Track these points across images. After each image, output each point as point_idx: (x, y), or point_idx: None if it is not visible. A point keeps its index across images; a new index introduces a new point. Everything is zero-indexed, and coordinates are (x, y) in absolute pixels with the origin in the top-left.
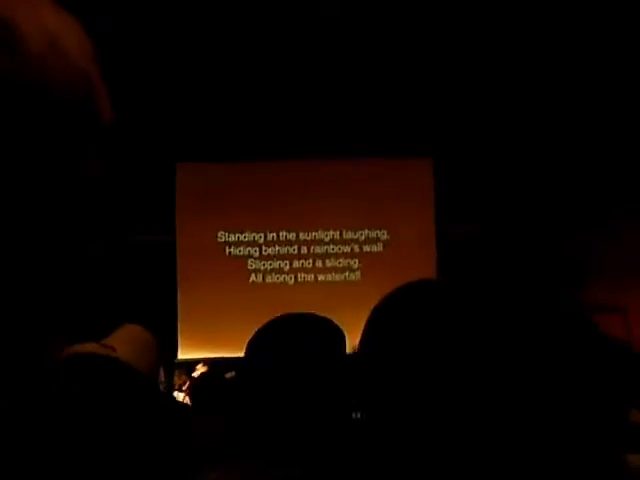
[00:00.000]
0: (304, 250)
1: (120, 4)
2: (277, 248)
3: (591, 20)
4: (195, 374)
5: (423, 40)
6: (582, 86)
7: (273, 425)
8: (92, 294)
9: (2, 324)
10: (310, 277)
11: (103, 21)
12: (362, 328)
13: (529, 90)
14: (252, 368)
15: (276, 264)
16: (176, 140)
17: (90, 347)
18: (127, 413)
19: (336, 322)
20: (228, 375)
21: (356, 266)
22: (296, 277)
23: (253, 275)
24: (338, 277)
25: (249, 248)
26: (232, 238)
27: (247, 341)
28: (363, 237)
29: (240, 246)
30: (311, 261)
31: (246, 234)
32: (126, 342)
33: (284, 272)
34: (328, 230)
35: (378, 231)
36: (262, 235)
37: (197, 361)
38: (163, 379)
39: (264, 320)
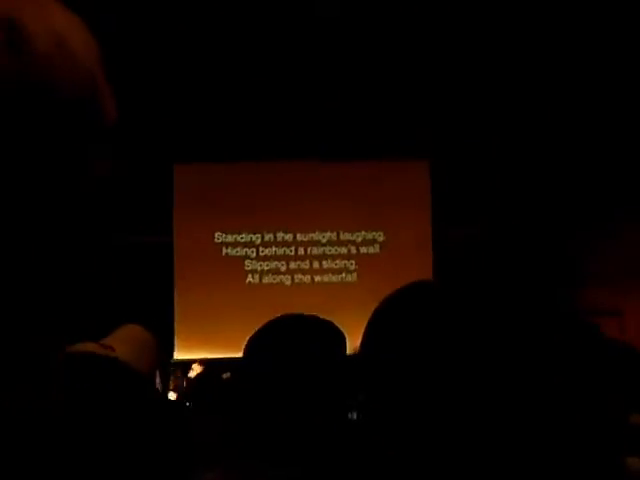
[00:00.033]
0: (301, 251)
1: (117, 6)
2: (274, 249)
3: (590, 20)
4: (191, 374)
5: (420, 42)
6: (580, 86)
7: (272, 425)
8: (91, 294)
9: (3, 323)
10: (307, 278)
11: (99, 22)
12: (359, 329)
13: (526, 91)
14: (251, 368)
15: (273, 265)
16: (174, 141)
17: (90, 347)
18: (126, 413)
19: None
20: (225, 375)
21: (353, 267)
22: (293, 278)
23: (250, 276)
24: (335, 278)
25: (246, 249)
26: (229, 239)
27: (244, 341)
28: (360, 239)
29: (237, 247)
30: (308, 262)
31: (243, 235)
32: (125, 342)
33: (281, 273)
34: (325, 231)
35: (375, 233)
36: (259, 236)
37: (193, 361)
38: (159, 379)
39: (261, 321)
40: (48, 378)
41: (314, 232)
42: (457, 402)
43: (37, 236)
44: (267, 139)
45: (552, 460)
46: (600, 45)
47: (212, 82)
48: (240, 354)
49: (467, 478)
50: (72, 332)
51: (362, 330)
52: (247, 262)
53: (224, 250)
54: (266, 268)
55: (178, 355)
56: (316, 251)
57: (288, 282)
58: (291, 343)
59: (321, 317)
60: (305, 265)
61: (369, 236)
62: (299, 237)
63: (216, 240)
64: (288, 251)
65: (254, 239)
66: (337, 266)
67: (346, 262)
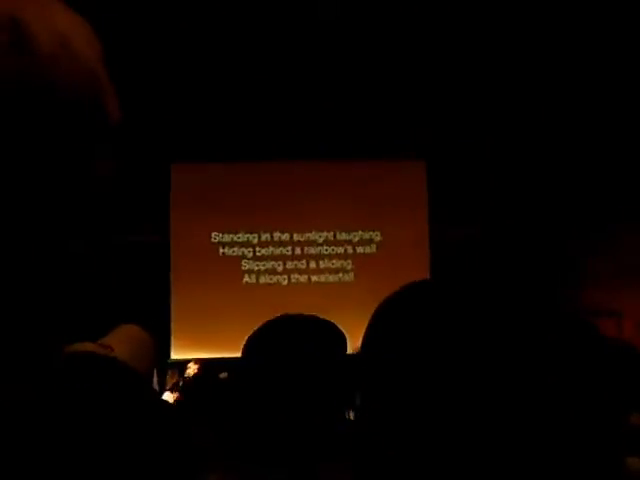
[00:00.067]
0: (298, 251)
1: (114, 6)
2: (271, 249)
3: (587, 19)
4: (188, 373)
5: (417, 43)
6: (577, 85)
7: (271, 425)
8: (90, 294)
9: (3, 323)
10: (304, 278)
11: (95, 22)
12: (356, 329)
13: (522, 91)
14: (250, 368)
15: (270, 265)
16: (170, 141)
17: (89, 346)
18: (124, 413)
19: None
20: (222, 375)
21: (349, 267)
22: (290, 278)
23: (247, 276)
24: (332, 278)
25: (243, 249)
26: (226, 239)
27: (241, 341)
28: (357, 238)
29: (234, 247)
30: (305, 262)
31: (240, 235)
32: (124, 342)
33: (278, 273)
34: (322, 231)
35: (372, 232)
36: (256, 236)
37: (190, 361)
38: (156, 379)
39: (258, 321)
40: (47, 378)
41: (311, 232)
42: (457, 402)
43: (39, 235)
44: (264, 139)
45: (552, 460)
46: (598, 44)
47: (209, 82)
48: (237, 354)
49: (467, 478)
50: (71, 332)
51: (360, 330)
52: (244, 262)
53: (221, 250)
54: (263, 268)
55: (175, 355)
56: (313, 251)
57: (285, 282)
58: (290, 343)
59: (321, 317)
60: (302, 265)
61: (366, 236)
62: (296, 237)
63: (213, 240)
64: (285, 251)
65: (251, 239)
66: (334, 266)
67: (343, 262)
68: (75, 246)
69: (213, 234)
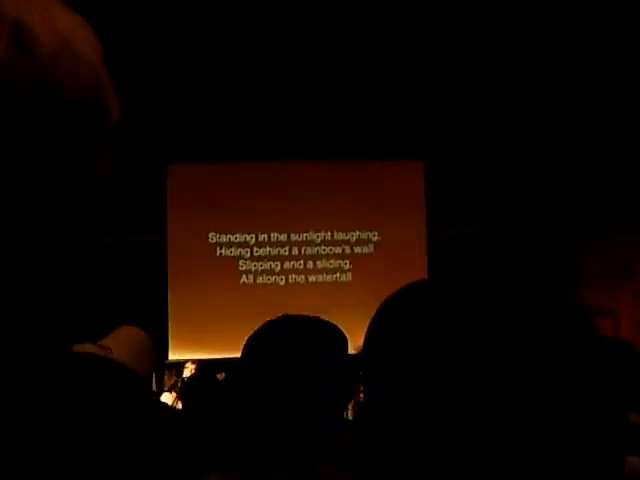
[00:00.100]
0: (295, 251)
1: (112, 7)
2: (268, 249)
3: (587, 19)
4: (185, 373)
5: (415, 43)
6: (577, 85)
7: (272, 426)
8: (88, 295)
9: (3, 324)
10: (301, 278)
11: (94, 24)
12: (354, 329)
13: (521, 91)
14: (250, 368)
15: (267, 265)
16: (167, 142)
17: (88, 348)
18: (123, 414)
19: None
20: (220, 376)
21: (347, 267)
22: (287, 278)
23: (244, 276)
24: (329, 278)
25: (240, 249)
26: (223, 239)
27: (238, 342)
28: (354, 238)
29: (231, 247)
30: (302, 262)
31: (237, 235)
32: (123, 343)
33: (275, 273)
34: (319, 231)
35: (369, 232)
36: (253, 236)
37: (187, 362)
38: (154, 380)
39: (255, 321)
40: (47, 378)
41: (308, 232)
42: (458, 401)
43: (38, 235)
44: (260, 140)
45: (552, 459)
46: (599, 43)
47: (206, 83)
48: (235, 354)
49: (467, 478)
50: (71, 333)
51: (358, 329)
52: (241, 262)
53: (218, 250)
54: (260, 268)
55: (172, 355)
56: (310, 251)
57: (282, 282)
58: (291, 343)
59: (322, 318)
60: (299, 265)
61: (363, 236)
62: (293, 237)
63: (210, 240)
64: (282, 251)
65: (248, 239)
66: (331, 266)
67: (340, 262)
68: (76, 246)
69: (210, 234)
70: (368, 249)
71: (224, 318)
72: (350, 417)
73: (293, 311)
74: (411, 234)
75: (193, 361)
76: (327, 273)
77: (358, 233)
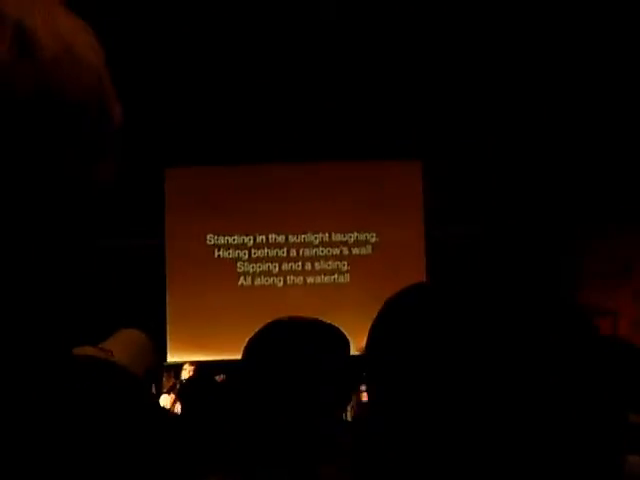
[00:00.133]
0: (293, 253)
1: (110, 11)
2: (266, 251)
3: (587, 19)
4: (183, 375)
5: (413, 44)
6: (576, 85)
7: (272, 427)
8: (88, 298)
9: (11, 326)
10: (299, 280)
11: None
12: (352, 330)
13: (519, 92)
14: (252, 370)
15: (265, 267)
16: (164, 145)
17: (89, 350)
18: (123, 416)
19: None
20: (219, 378)
21: (345, 268)
22: (285, 280)
23: (242, 278)
24: (327, 279)
25: (238, 251)
26: (221, 241)
27: (237, 344)
28: (352, 239)
29: (229, 249)
30: (300, 264)
31: (235, 237)
32: (124, 346)
33: (273, 275)
34: (317, 233)
35: (367, 233)
36: (251, 238)
37: (185, 364)
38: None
39: (253, 322)
40: (48, 381)
41: (306, 233)
42: (458, 402)
43: (40, 239)
44: (258, 142)
45: (553, 459)
46: (599, 43)
47: (203, 86)
48: (233, 356)
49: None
50: (72, 336)
51: (356, 331)
52: (239, 264)
53: (216, 252)
54: (258, 270)
55: (171, 357)
56: (308, 252)
57: (280, 284)
58: (293, 345)
59: (324, 321)
60: (297, 267)
61: (361, 237)
62: (291, 239)
63: (208, 242)
64: (280, 253)
65: (246, 241)
66: (329, 267)
67: (338, 263)
68: (77, 250)
69: (208, 236)
70: (366, 250)
71: (222, 320)
72: (349, 418)
73: (291, 312)
74: (409, 235)
75: (191, 363)
76: (325, 274)
77: (356, 234)
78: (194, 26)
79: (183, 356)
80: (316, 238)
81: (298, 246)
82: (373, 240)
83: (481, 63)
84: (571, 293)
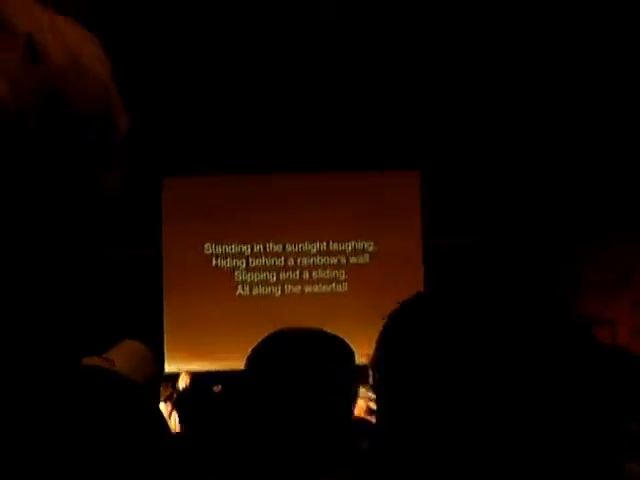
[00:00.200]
0: (291, 262)
1: (106, 20)
2: (264, 260)
3: (586, 27)
4: (180, 384)
5: (410, 54)
6: (573, 97)
7: (275, 438)
8: (91, 308)
9: (19, 335)
10: (297, 289)
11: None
12: (350, 339)
13: (517, 102)
14: (255, 380)
15: (263, 276)
16: (162, 155)
17: (91, 360)
18: (124, 423)
19: None
20: (216, 388)
21: (343, 278)
22: (283, 289)
23: (240, 287)
24: (325, 289)
25: (236, 260)
26: (219, 250)
27: (234, 353)
28: (350, 249)
29: (227, 258)
30: (298, 273)
31: (233, 246)
32: (125, 356)
33: (271, 284)
34: (315, 241)
35: (365, 243)
36: (249, 247)
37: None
38: None
39: (251, 332)
40: (53, 388)
41: (304, 242)
42: (459, 414)
43: (46, 249)
44: (255, 152)
45: (553, 466)
46: (596, 53)
47: (200, 96)
48: (231, 366)
49: None
50: (79, 344)
51: (354, 340)
52: (237, 273)
53: (214, 261)
54: (256, 279)
55: (168, 367)
56: (306, 261)
57: (278, 293)
58: (297, 356)
59: (329, 332)
60: (295, 276)
61: (359, 246)
62: (289, 248)
63: (206, 251)
64: (278, 262)
65: (244, 250)
66: (327, 276)
67: (336, 272)
68: (82, 260)
69: (206, 245)
70: (364, 259)
71: (220, 329)
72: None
73: (289, 321)
74: (407, 244)
75: (188, 372)
76: (323, 284)
77: (354, 243)
78: (192, 35)
79: (181, 365)
80: (314, 247)
81: (296, 255)
82: (371, 249)
83: (480, 73)
84: (570, 302)
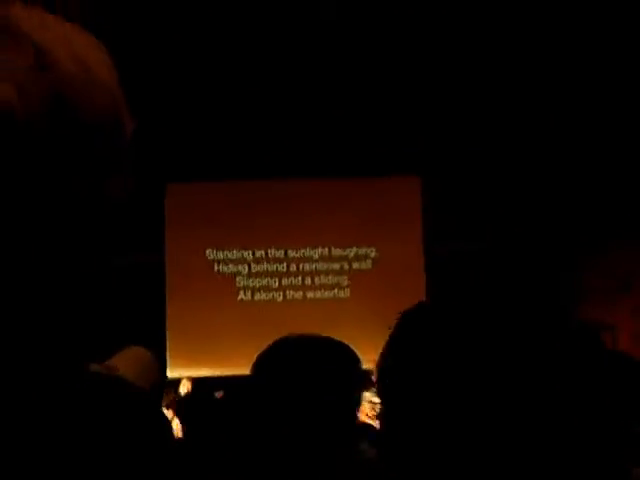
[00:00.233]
0: (293, 267)
1: (109, 25)
2: (266, 265)
3: (586, 31)
4: (181, 390)
5: (410, 59)
6: (575, 104)
7: (280, 443)
8: (97, 314)
9: (26, 341)
10: (299, 295)
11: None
12: (353, 345)
13: (518, 108)
14: (261, 385)
15: (265, 281)
16: (165, 161)
17: (95, 367)
18: (128, 427)
19: None
20: (218, 394)
21: (345, 283)
22: (285, 295)
23: (242, 293)
24: (327, 294)
25: (238, 266)
26: (220, 256)
27: (237, 359)
28: (352, 254)
29: (229, 264)
30: (300, 278)
31: (234, 251)
32: (129, 363)
33: (273, 289)
34: (317, 247)
35: (367, 248)
36: (251, 252)
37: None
38: None
39: (253, 338)
40: (60, 395)
41: (306, 248)
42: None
43: (54, 256)
44: (258, 158)
45: (560, 472)
46: (598, 60)
47: (203, 101)
48: (233, 371)
49: None
50: (86, 351)
51: (356, 345)
52: (239, 279)
53: (216, 267)
54: (258, 285)
55: (170, 373)
56: (308, 267)
57: (280, 298)
58: (304, 362)
59: (335, 338)
60: (297, 281)
61: (361, 252)
62: (291, 253)
63: (208, 257)
64: (280, 267)
65: (246, 256)
66: (330, 282)
67: (338, 278)
68: (89, 266)
69: (208, 251)
70: (366, 265)
71: (222, 335)
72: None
73: (291, 327)
74: (409, 250)
75: (189, 378)
76: (325, 289)
77: (356, 249)
78: (194, 41)
79: (183, 371)
80: (316, 253)
81: (298, 261)
82: (373, 255)
83: (483, 78)
84: (571, 308)
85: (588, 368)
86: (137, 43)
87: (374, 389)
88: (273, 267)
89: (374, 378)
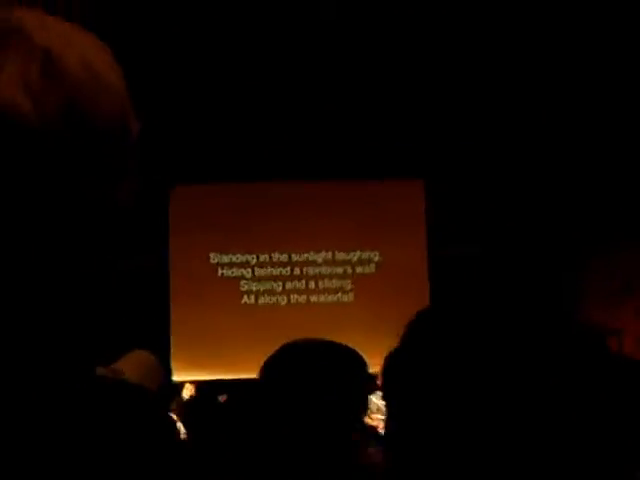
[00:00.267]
0: (297, 271)
1: (110, 25)
2: (269, 269)
3: (586, 33)
4: (184, 394)
5: (413, 62)
6: (576, 107)
7: (287, 448)
8: (103, 317)
9: (33, 344)
10: (303, 298)
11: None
12: (356, 349)
13: (521, 112)
14: (268, 390)
15: (268, 285)
16: (169, 165)
17: (101, 370)
18: (134, 429)
19: None
20: (221, 398)
21: (349, 287)
22: (289, 298)
23: (245, 296)
24: (331, 298)
25: (242, 269)
26: (224, 259)
27: (241, 362)
28: (355, 258)
29: (232, 267)
30: (304, 282)
31: (238, 255)
32: (134, 366)
33: (277, 293)
34: (321, 251)
35: (370, 252)
36: (254, 256)
37: (190, 383)
38: None
39: (257, 341)
40: (68, 398)
41: (309, 252)
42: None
43: (63, 259)
44: (262, 161)
45: (564, 476)
46: (600, 63)
47: (207, 105)
48: (237, 375)
49: None
50: (89, 354)
51: (360, 349)
52: (242, 282)
53: (220, 271)
54: (262, 288)
55: (174, 377)
56: (312, 271)
57: (284, 302)
58: (310, 367)
59: (342, 343)
60: (301, 285)
61: (365, 256)
62: (294, 257)
63: (211, 261)
64: (284, 271)
65: (249, 259)
66: (333, 286)
67: (342, 282)
68: (96, 270)
69: (211, 255)
70: (370, 269)
71: (226, 338)
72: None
73: (295, 331)
74: (412, 253)
75: (192, 382)
76: (329, 293)
77: (359, 253)
78: (195, 44)
79: (187, 375)
80: (319, 257)
81: (302, 265)
82: (376, 259)
83: (485, 81)
84: (573, 310)
85: (595, 372)
86: (138, 47)
87: (379, 392)
88: (277, 271)
89: (379, 381)
